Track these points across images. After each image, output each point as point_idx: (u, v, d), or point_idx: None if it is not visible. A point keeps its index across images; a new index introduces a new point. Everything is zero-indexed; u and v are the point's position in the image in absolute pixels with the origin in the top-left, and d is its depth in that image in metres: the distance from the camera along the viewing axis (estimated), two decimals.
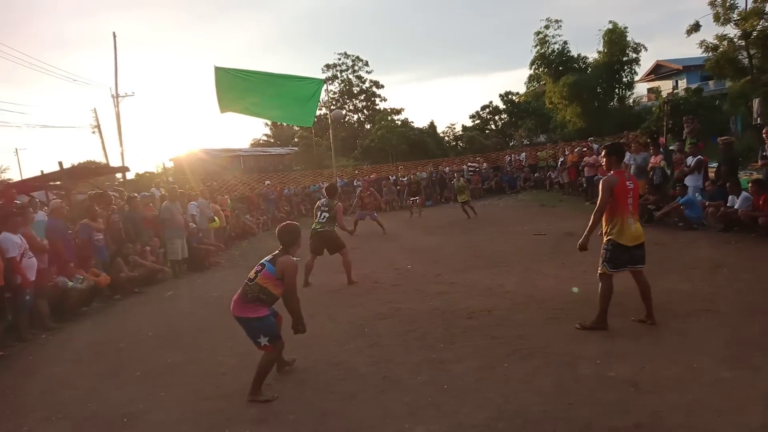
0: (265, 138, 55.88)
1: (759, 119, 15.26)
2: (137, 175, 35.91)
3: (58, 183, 13.10)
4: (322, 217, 8.13)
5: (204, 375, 4.86)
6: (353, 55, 46.81)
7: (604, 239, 5.03)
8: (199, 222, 11.81)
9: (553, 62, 31.46)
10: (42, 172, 14.29)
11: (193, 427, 3.81)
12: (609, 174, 5.04)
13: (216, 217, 12.67)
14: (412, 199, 18.95)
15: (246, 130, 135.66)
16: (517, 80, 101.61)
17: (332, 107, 43.66)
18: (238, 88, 10.51)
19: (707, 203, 9.95)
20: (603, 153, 5.31)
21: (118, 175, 22.16)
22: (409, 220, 17.09)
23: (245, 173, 30.13)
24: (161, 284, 9.68)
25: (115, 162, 24.38)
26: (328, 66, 46.64)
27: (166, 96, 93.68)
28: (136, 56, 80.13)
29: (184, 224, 10.50)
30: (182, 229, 10.40)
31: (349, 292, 7.61)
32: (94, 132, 28.40)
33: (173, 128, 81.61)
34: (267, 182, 24.22)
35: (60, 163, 12.58)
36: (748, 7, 18.52)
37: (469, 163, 25.55)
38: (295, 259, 4.35)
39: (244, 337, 5.83)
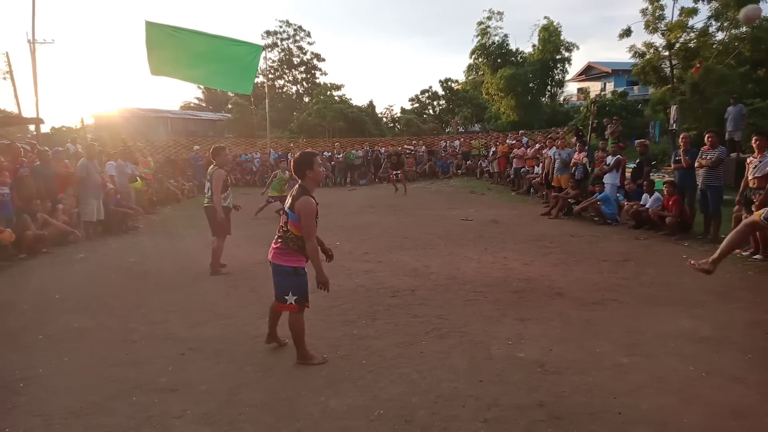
0: (196, 101, 53.68)
1: (675, 125, 16.31)
2: (53, 129, 33.48)
3: None
4: (206, 189, 6.99)
5: (113, 342, 4.64)
6: (295, 24, 45.59)
7: None
8: (118, 183, 11.18)
9: (493, 54, 32.12)
10: None
11: (96, 394, 3.63)
12: None
13: (138, 178, 12.06)
14: (395, 173, 17.26)
15: (176, 92, 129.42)
16: (457, 67, 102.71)
17: (269, 76, 42.43)
18: (170, 47, 9.87)
19: (625, 202, 10.59)
20: None
21: (32, 128, 20.51)
22: (345, 195, 17.01)
23: (172, 136, 28.83)
24: (73, 246, 9.11)
25: (28, 113, 22.48)
26: (268, 33, 45.15)
27: (90, 48, 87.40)
28: (58, 1, 74.01)
29: (101, 184, 9.91)
30: (99, 189, 9.80)
31: None
32: (5, 78, 25.98)
33: (96, 83, 76.60)
34: (196, 147, 23.32)
35: None
36: (673, 19, 19.62)
37: (405, 146, 25.75)
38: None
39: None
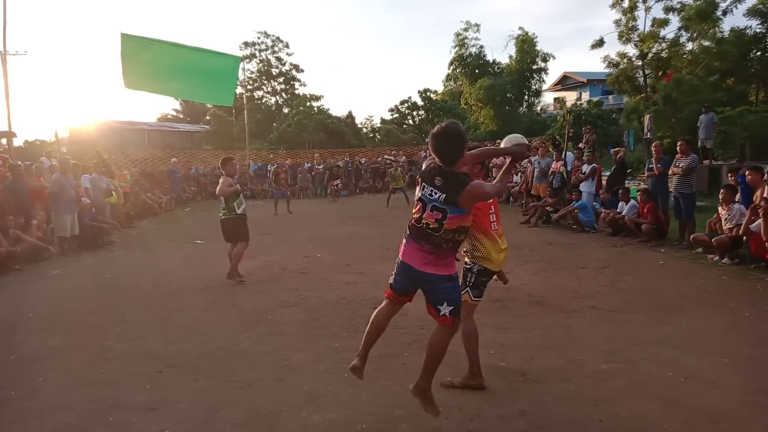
0: (173, 113, 53.15)
1: (649, 134, 16.66)
2: (26, 142, 32.86)
3: None
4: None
5: (89, 360, 4.53)
6: (273, 35, 45.51)
7: (467, 259, 3.88)
8: (94, 197, 10.99)
9: (470, 64, 32.51)
10: None
11: (72, 414, 3.54)
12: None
13: (114, 192, 11.87)
14: (335, 183, 19.58)
15: (153, 104, 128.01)
16: (436, 77, 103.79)
17: (248, 87, 42.39)
18: (147, 60, 9.75)
19: (602, 210, 10.75)
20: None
21: (4, 141, 20.08)
22: (326, 207, 16.97)
23: (150, 149, 28.52)
24: (47, 262, 8.90)
25: (0, 126, 22.04)
26: (246, 44, 44.99)
27: (64, 60, 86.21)
28: (30, 12, 73.16)
29: (75, 198, 9.72)
30: (73, 203, 9.61)
31: (254, 279, 7.43)
32: None
33: (71, 95, 75.43)
34: (173, 159, 23.10)
35: None
36: (646, 30, 20.11)
37: (386, 156, 25.81)
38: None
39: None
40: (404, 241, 3.35)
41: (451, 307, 3.19)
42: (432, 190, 3.14)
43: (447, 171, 3.14)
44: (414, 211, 3.28)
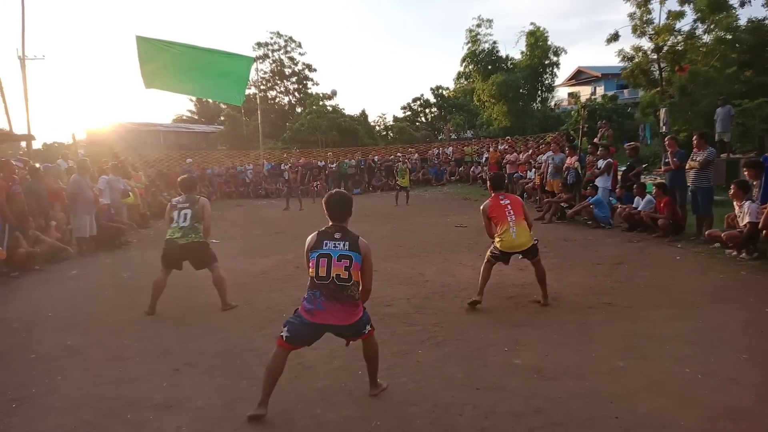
0: (188, 114, 53.64)
1: (665, 128, 16.43)
2: (45, 145, 33.47)
3: None
4: (182, 219, 6.04)
5: (107, 358, 4.60)
6: (286, 36, 45.69)
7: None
8: (111, 198, 11.13)
9: (482, 61, 32.30)
10: None
11: (91, 412, 3.59)
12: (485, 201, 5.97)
13: (131, 193, 12.03)
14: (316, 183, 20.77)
15: (169, 105, 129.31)
16: (448, 74, 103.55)
17: (261, 87, 42.63)
18: (162, 60, 9.87)
19: (618, 205, 10.63)
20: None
21: (23, 144, 20.42)
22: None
23: (165, 149, 28.83)
24: (65, 262, 9.04)
25: (19, 129, 22.41)
26: (259, 44, 45.24)
27: (81, 63, 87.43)
28: (48, 17, 74.40)
29: (93, 199, 9.85)
30: (91, 204, 9.74)
31: (269, 277, 7.48)
32: None
33: (88, 98, 76.48)
34: (189, 160, 23.34)
35: None
36: (661, 23, 19.83)
37: (398, 154, 25.81)
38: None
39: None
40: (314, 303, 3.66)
41: (369, 323, 3.69)
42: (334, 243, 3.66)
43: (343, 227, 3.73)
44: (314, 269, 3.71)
